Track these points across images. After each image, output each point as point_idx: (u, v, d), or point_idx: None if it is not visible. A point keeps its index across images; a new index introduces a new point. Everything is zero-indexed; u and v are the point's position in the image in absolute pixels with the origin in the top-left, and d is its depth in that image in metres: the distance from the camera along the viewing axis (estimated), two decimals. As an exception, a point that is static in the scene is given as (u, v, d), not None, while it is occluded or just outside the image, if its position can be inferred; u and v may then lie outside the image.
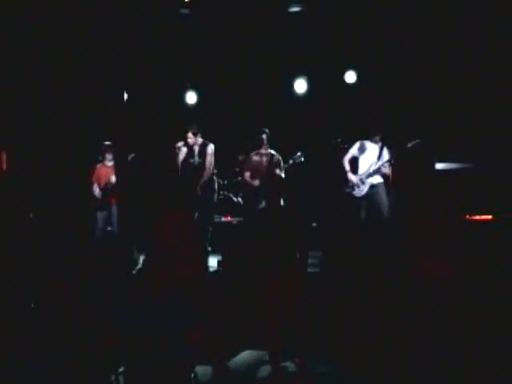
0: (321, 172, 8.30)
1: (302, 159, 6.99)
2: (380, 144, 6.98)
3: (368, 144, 7.05)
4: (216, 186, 7.25)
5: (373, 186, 6.92)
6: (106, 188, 7.42)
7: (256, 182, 6.96)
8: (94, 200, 7.46)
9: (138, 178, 7.67)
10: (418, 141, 6.81)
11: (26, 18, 7.17)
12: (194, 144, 6.93)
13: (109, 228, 7.45)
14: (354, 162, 7.16)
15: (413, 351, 4.43)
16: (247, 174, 7.13)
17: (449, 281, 4.57)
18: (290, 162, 7.01)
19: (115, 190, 7.41)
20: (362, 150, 7.06)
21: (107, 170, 7.49)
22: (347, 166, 7.08)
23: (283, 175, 6.91)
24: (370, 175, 6.93)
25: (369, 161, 6.98)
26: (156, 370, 3.99)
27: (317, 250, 6.50)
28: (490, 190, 6.94)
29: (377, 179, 6.95)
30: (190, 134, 6.92)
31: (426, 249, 4.73)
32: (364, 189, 6.94)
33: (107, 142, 7.52)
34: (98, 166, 7.53)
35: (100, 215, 7.42)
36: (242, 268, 5.86)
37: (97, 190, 7.43)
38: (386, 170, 6.89)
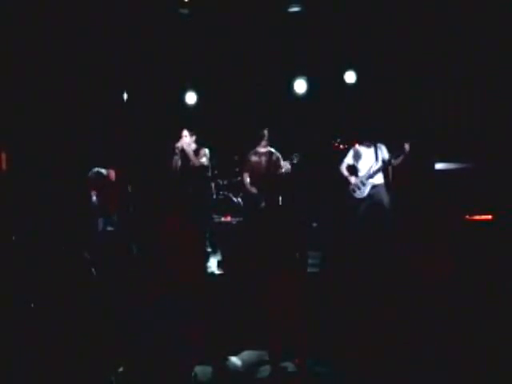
0: (320, 172, 8.29)
1: (299, 158, 6.91)
2: (373, 146, 6.95)
3: (362, 149, 7.02)
4: (212, 187, 7.20)
5: (374, 187, 6.90)
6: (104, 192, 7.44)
7: (254, 190, 6.90)
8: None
9: (139, 180, 7.67)
10: (414, 140, 6.82)
11: (26, 17, 7.18)
12: (189, 145, 6.79)
13: (109, 228, 7.45)
14: (352, 168, 7.13)
15: (413, 351, 4.42)
16: (246, 176, 7.06)
17: (448, 281, 4.57)
18: (287, 162, 6.93)
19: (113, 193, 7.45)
20: (357, 156, 7.02)
21: None
22: (345, 172, 7.07)
23: (288, 166, 6.85)
24: (371, 176, 6.90)
25: (367, 164, 6.94)
26: (156, 370, 3.99)
27: (317, 250, 6.50)
28: (490, 190, 6.95)
29: (378, 180, 6.93)
30: (185, 132, 6.81)
31: (425, 248, 4.73)
32: (365, 190, 6.90)
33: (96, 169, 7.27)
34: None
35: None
36: (241, 268, 5.85)
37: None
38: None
